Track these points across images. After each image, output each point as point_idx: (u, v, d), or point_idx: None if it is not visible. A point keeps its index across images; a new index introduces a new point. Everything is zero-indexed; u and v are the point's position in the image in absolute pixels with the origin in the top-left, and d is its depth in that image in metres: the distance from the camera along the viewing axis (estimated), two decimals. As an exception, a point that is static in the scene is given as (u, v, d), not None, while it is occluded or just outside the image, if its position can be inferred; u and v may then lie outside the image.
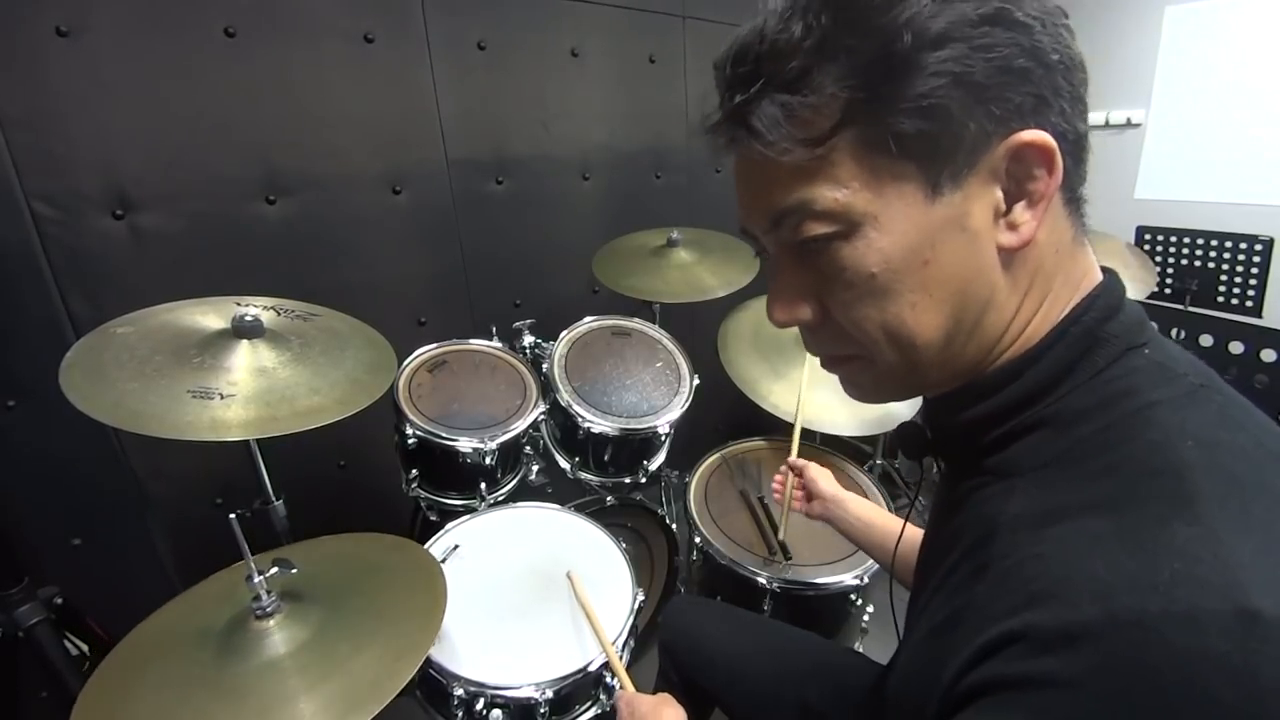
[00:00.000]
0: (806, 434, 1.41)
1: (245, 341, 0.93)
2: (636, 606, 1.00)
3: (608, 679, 0.94)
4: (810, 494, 1.03)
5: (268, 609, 0.74)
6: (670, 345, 1.43)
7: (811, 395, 1.36)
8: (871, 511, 0.96)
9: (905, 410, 1.31)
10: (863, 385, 0.49)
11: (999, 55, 0.37)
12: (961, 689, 0.35)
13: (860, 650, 1.17)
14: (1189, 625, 0.29)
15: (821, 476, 1.03)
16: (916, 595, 0.56)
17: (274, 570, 0.76)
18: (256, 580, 0.74)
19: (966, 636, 0.37)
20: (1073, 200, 0.43)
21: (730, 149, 0.44)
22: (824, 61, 0.38)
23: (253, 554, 0.74)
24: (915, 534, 0.84)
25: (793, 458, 1.10)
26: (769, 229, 0.45)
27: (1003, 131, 0.38)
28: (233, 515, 0.73)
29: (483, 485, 1.21)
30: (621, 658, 0.96)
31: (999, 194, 0.40)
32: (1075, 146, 0.41)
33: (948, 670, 0.37)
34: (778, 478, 1.09)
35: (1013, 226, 0.40)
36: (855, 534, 0.96)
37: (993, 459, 0.45)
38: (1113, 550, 0.33)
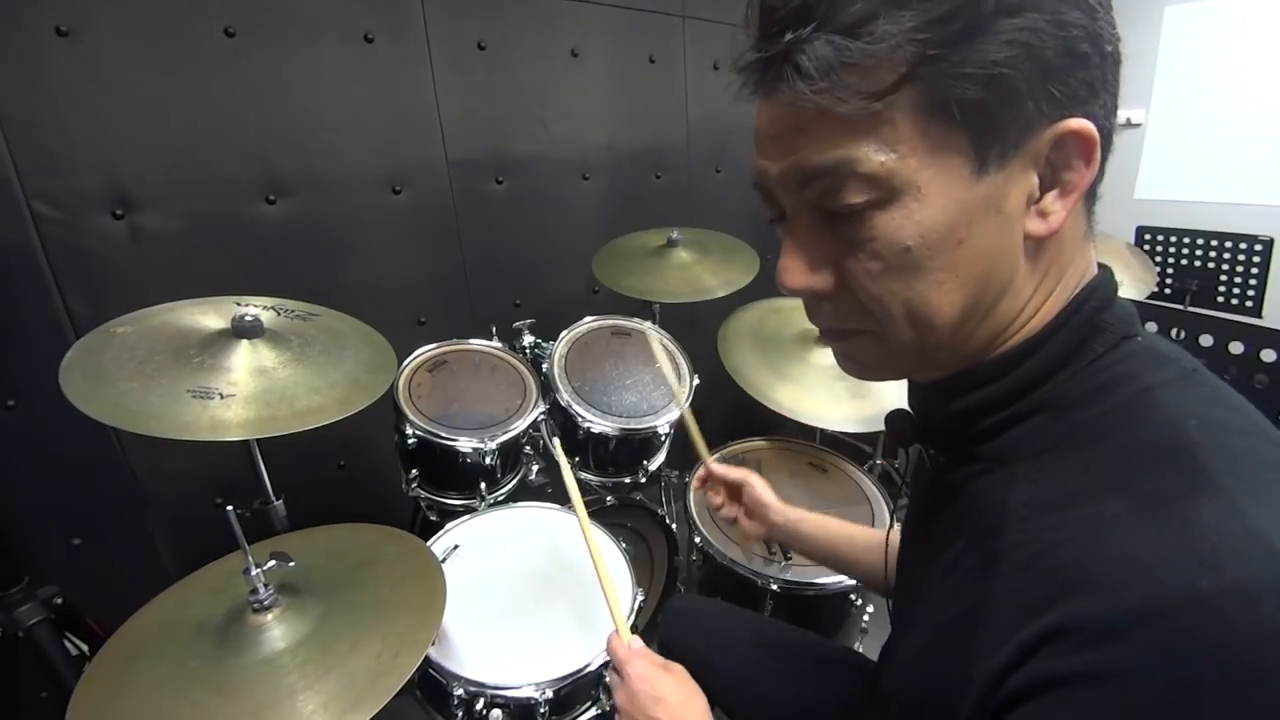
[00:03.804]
0: (807, 432, 1.41)
1: (245, 341, 0.93)
2: (636, 606, 1.00)
3: (607, 678, 0.94)
4: (749, 509, 0.93)
5: (265, 602, 0.74)
6: (670, 345, 1.43)
7: (808, 393, 1.36)
8: (825, 521, 0.90)
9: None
10: (865, 362, 0.47)
11: (1068, 35, 0.36)
12: (1007, 691, 0.34)
13: (860, 650, 1.17)
14: (1244, 599, 0.29)
15: (756, 485, 0.92)
16: (908, 588, 0.55)
17: (271, 563, 0.75)
18: (254, 573, 0.73)
19: (996, 633, 0.36)
20: (1091, 195, 0.42)
21: (762, 91, 0.40)
22: (892, 9, 0.35)
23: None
24: (877, 537, 0.83)
25: (711, 463, 0.96)
26: (796, 187, 0.41)
27: (1055, 116, 0.37)
28: (230, 508, 0.73)
29: (483, 485, 1.21)
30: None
31: (1035, 180, 0.39)
32: (1107, 142, 0.40)
33: (978, 669, 0.36)
34: (706, 494, 0.97)
35: (1043, 215, 0.40)
36: (813, 546, 0.89)
37: (989, 445, 0.44)
38: (1141, 530, 0.33)
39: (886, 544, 0.77)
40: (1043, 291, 0.42)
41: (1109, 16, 0.38)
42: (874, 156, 0.37)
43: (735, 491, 0.95)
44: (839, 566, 0.89)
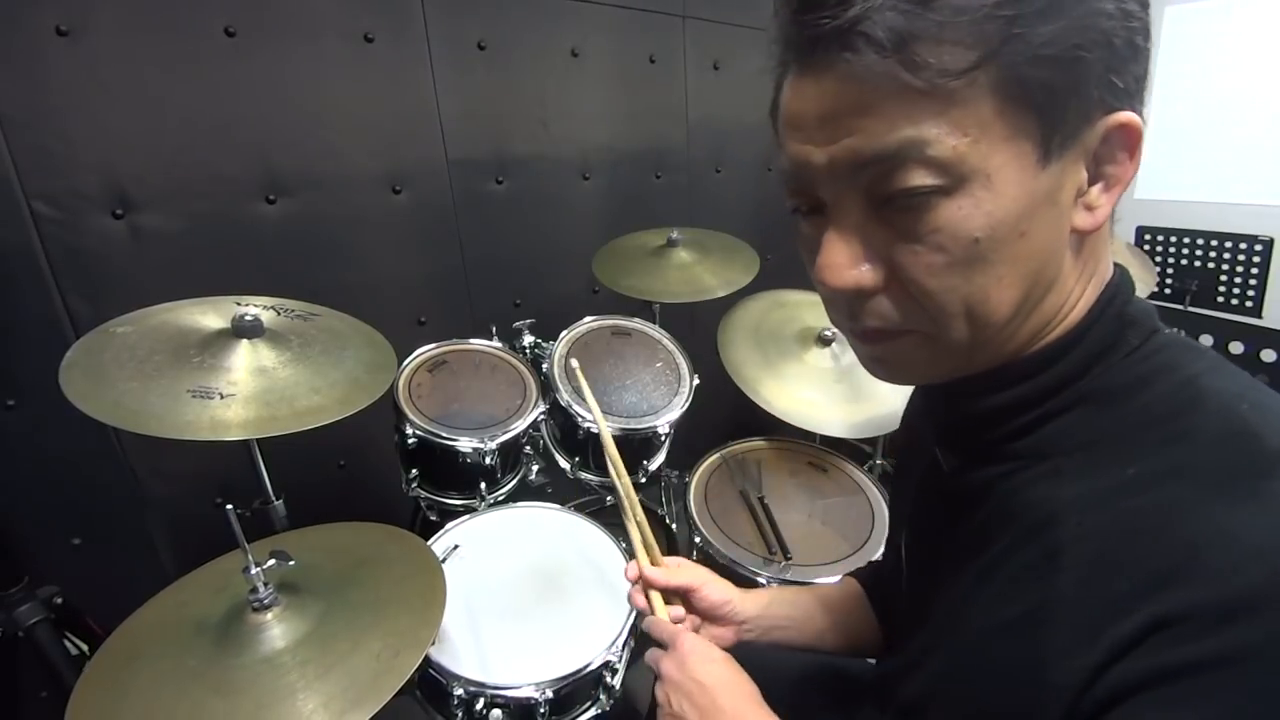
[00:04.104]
0: (807, 432, 1.41)
1: (245, 341, 0.93)
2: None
3: (607, 679, 0.94)
4: (707, 615, 0.71)
5: (265, 601, 0.74)
6: (670, 345, 1.43)
7: (804, 396, 1.36)
8: (795, 597, 0.77)
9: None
10: (905, 365, 0.44)
11: (1130, 25, 0.36)
12: (1107, 688, 0.33)
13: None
14: None
15: (707, 582, 0.71)
16: (923, 594, 0.53)
17: (271, 562, 0.75)
18: (254, 572, 0.73)
19: (1077, 630, 0.35)
20: None
21: (813, 66, 0.37)
22: None
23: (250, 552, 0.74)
24: (852, 588, 0.78)
25: (648, 571, 0.70)
26: (849, 173, 0.38)
27: (1110, 107, 0.37)
28: (229, 506, 0.73)
29: (483, 485, 1.21)
30: (621, 658, 0.96)
31: (1084, 172, 0.38)
32: None
33: (1059, 670, 0.35)
34: (640, 602, 0.71)
35: (1089, 208, 0.39)
36: (793, 629, 0.74)
37: (1023, 442, 0.44)
38: (1234, 511, 0.33)
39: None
40: (1080, 286, 0.42)
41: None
42: (945, 139, 0.35)
43: (685, 598, 0.72)
44: (829, 640, 0.75)
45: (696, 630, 0.70)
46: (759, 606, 0.73)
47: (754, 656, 0.90)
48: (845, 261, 0.40)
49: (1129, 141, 0.38)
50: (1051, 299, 0.41)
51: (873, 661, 0.80)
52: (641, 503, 1.37)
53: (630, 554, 0.74)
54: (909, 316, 0.41)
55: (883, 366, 0.45)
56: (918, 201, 0.36)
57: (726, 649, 0.67)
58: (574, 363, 0.99)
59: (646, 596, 0.70)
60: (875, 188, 0.38)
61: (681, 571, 0.71)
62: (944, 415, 0.50)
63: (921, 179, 0.36)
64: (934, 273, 0.38)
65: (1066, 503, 0.39)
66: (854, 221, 0.40)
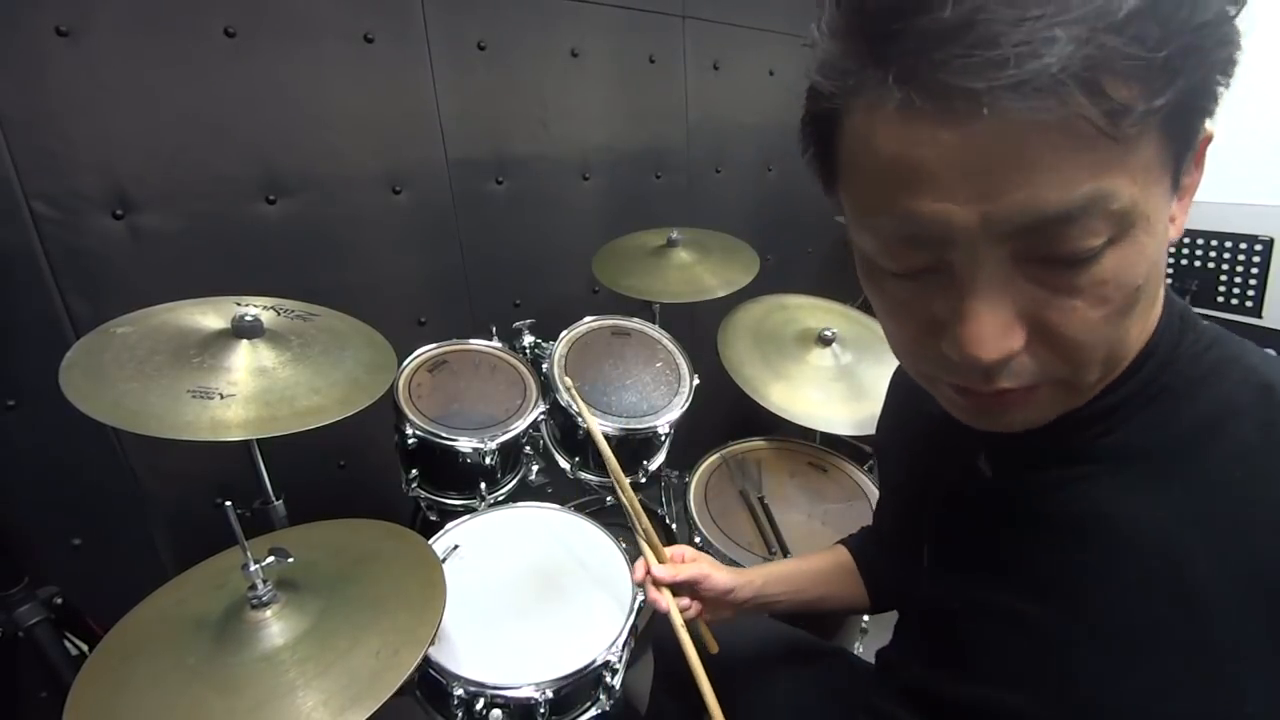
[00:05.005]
0: (807, 432, 1.41)
1: (245, 341, 0.93)
2: (636, 606, 1.00)
3: (607, 679, 0.94)
4: (710, 602, 0.77)
5: (264, 598, 0.74)
6: (670, 345, 1.43)
7: (804, 394, 1.36)
8: (784, 573, 0.81)
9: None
10: (1029, 414, 0.40)
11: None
12: None
13: (860, 651, 1.17)
14: None
15: (710, 574, 0.75)
16: (970, 599, 0.51)
17: (270, 559, 0.75)
18: (252, 569, 0.73)
19: None
20: None
21: (946, 105, 0.29)
22: (1163, 6, 0.28)
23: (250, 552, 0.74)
24: (842, 559, 0.82)
25: (656, 569, 0.76)
26: (1011, 234, 0.32)
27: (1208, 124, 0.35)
28: (228, 504, 0.73)
29: (483, 485, 1.21)
30: (621, 658, 0.96)
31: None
32: None
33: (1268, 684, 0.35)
34: (654, 596, 0.75)
35: (1171, 220, 0.37)
36: (785, 601, 0.80)
37: (1097, 444, 0.43)
38: None
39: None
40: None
41: None
42: (1124, 189, 0.30)
43: (689, 587, 0.77)
44: (819, 607, 0.82)
45: (699, 615, 0.77)
46: (755, 589, 0.79)
47: (753, 656, 0.91)
48: (998, 331, 0.34)
49: (1201, 154, 0.37)
50: (1152, 314, 0.41)
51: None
52: (641, 502, 1.38)
53: (632, 555, 0.78)
54: (1046, 369, 0.37)
55: (998, 420, 0.41)
56: (1087, 257, 0.32)
57: (724, 620, 0.78)
58: (566, 380, 1.01)
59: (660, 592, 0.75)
60: (1037, 246, 0.32)
61: (686, 567, 0.76)
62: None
63: (1097, 235, 0.31)
64: (1091, 326, 0.34)
65: (1174, 514, 0.39)
66: (1002, 283, 0.34)
